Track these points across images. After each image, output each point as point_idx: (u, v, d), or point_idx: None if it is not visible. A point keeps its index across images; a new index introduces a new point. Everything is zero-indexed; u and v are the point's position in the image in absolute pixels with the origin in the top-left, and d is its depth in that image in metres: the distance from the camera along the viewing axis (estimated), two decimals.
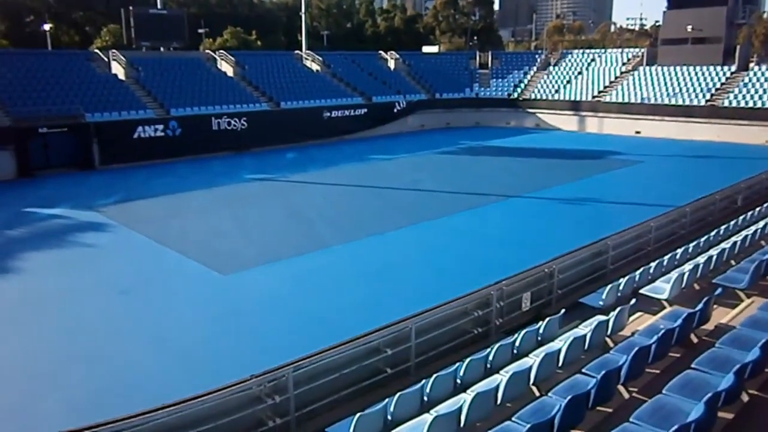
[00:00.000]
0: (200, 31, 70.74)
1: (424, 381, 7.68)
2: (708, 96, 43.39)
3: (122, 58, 40.27)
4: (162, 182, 30.22)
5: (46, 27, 61.13)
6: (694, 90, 44.47)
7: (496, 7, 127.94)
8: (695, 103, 43.41)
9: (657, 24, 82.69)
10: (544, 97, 51.33)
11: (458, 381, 8.05)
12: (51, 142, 32.16)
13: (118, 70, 39.95)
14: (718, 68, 45.83)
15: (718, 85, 44.28)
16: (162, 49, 44.13)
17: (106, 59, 40.88)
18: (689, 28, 47.40)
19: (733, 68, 45.34)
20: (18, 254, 18.47)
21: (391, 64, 55.52)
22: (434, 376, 7.72)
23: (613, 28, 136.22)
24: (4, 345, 12.56)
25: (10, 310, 14.44)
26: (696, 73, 46.24)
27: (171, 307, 14.23)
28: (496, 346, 8.71)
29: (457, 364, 8.25)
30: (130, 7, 43.55)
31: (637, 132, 44.82)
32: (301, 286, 15.52)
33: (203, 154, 36.62)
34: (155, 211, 24.10)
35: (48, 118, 32.29)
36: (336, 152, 39.02)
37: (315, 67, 50.19)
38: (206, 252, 18.15)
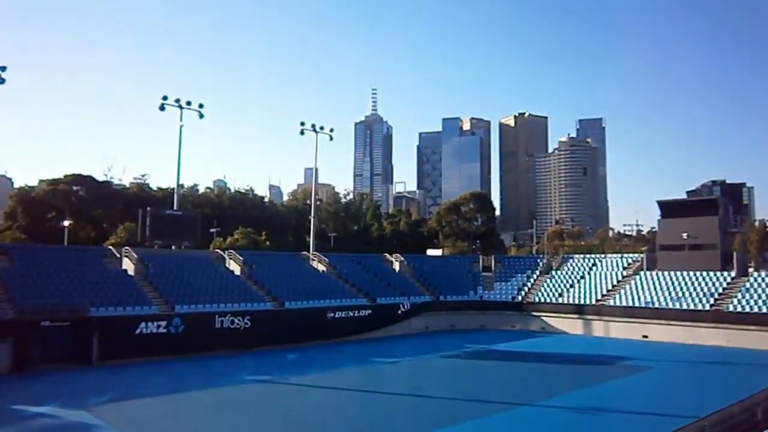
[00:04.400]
0: (212, 230, 73.50)
1: None
2: (712, 301, 43.49)
3: (134, 254, 41.30)
4: (159, 381, 29.32)
5: (65, 223, 63.59)
6: (698, 294, 44.71)
7: (497, 212, 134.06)
8: (700, 307, 43.34)
9: (653, 229, 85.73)
10: (548, 301, 51.55)
11: None
12: (51, 336, 31.85)
13: (128, 265, 40.79)
14: (718, 274, 46.48)
15: (720, 290, 44.55)
16: (174, 247, 45.40)
17: (118, 255, 41.98)
18: (685, 235, 48.99)
19: (733, 274, 46.00)
20: None
21: (396, 266, 56.67)
22: None
23: (611, 233, 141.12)
24: None
25: None
26: (697, 278, 46.83)
27: None
28: None
29: None
30: (147, 208, 45.65)
31: (645, 336, 44.22)
32: None
33: (204, 352, 35.89)
34: (148, 412, 23.04)
35: (52, 311, 32.26)
36: (338, 354, 38.29)
37: (321, 267, 51.19)
38: None
